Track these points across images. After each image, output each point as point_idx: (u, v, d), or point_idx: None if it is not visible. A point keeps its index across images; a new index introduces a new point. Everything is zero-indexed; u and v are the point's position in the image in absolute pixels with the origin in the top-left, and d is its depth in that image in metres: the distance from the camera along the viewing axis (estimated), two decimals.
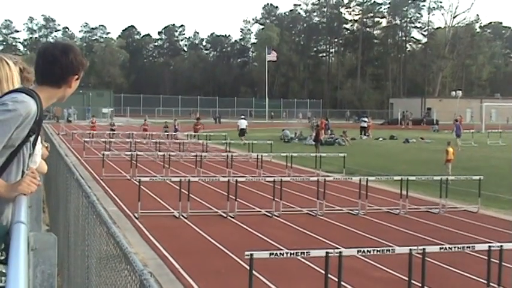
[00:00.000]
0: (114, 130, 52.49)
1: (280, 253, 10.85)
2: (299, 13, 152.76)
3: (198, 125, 49.66)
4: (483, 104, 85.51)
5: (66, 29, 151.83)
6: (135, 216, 17.34)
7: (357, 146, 48.21)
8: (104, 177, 25.20)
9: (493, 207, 20.65)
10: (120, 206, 19.32)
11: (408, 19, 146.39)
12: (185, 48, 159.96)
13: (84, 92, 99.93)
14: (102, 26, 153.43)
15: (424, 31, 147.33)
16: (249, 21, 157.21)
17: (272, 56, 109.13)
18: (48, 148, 5.91)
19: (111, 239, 4.32)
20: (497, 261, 10.92)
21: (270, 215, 18.36)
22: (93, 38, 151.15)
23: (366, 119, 63.61)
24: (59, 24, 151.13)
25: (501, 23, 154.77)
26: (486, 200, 20.92)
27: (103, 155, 27.62)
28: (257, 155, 30.25)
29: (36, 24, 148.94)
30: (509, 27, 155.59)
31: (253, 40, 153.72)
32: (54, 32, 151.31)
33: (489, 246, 11.14)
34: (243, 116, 55.93)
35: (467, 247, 11.68)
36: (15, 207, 2.96)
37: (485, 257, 11.06)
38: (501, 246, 11.07)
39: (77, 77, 3.60)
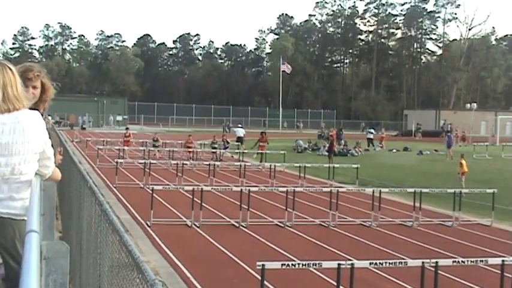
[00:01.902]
0: (157, 146, 41.42)
1: (292, 264, 10.82)
2: (314, 23, 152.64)
3: (263, 141, 40.71)
4: (498, 116, 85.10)
5: (82, 37, 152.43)
6: (147, 225, 17.37)
7: (370, 157, 48.09)
8: (117, 185, 25.27)
9: (506, 221, 20.52)
10: (132, 214, 19.37)
11: (423, 31, 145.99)
12: (200, 57, 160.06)
13: (99, 99, 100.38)
14: (118, 34, 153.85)
15: (439, 43, 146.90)
16: (264, 31, 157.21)
17: (286, 67, 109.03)
18: (61, 152, 5.90)
19: (124, 247, 4.32)
20: (511, 276, 10.84)
21: (283, 225, 18.34)
22: (109, 46, 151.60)
23: (372, 131, 63.35)
24: (74, 32, 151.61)
25: None
26: (500, 214, 20.80)
27: (116, 162, 27.69)
28: (270, 165, 30.25)
29: (52, 32, 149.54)
30: None
31: (268, 50, 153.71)
32: (70, 40, 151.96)
33: (502, 261, 11.06)
34: (240, 125, 56.45)
35: (480, 261, 11.60)
36: (28, 216, 2.97)
37: (499, 271, 10.97)
38: None
39: None
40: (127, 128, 47.29)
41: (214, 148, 42.28)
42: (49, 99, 4.79)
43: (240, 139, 48.15)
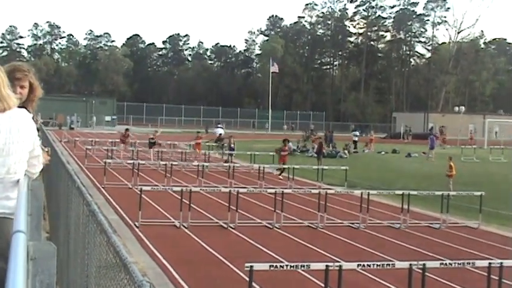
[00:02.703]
0: (154, 143, 39.82)
1: (280, 265, 10.82)
2: (304, 25, 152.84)
3: (285, 152, 34.89)
4: (486, 120, 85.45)
5: (71, 36, 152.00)
6: (135, 225, 17.32)
7: (359, 159, 48.18)
8: (105, 186, 25.19)
9: (493, 224, 20.62)
10: (120, 214, 19.31)
11: (412, 33, 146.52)
12: (189, 58, 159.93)
13: (88, 99, 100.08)
14: (107, 33, 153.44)
15: (428, 46, 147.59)
16: (254, 32, 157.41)
17: (274, 68, 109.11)
18: (49, 152, 5.88)
19: (111, 248, 4.31)
20: (497, 278, 10.88)
21: (271, 226, 18.34)
22: (98, 46, 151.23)
23: (357, 133, 63.28)
24: (63, 31, 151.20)
25: (505, 39, 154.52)
26: (487, 216, 20.88)
27: (105, 163, 27.58)
28: (259, 166, 30.24)
29: (41, 31, 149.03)
30: None
31: (257, 51, 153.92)
32: (59, 39, 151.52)
33: (489, 263, 11.10)
34: (219, 125, 60.32)
35: (467, 263, 11.65)
36: (15, 216, 2.96)
37: (485, 274, 11.02)
38: (501, 263, 11.03)
39: None
40: (127, 130, 43.28)
41: (222, 145, 39.36)
42: (37, 98, 4.78)
43: (219, 139, 50.07)
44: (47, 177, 16.09)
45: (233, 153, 39.71)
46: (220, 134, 52.58)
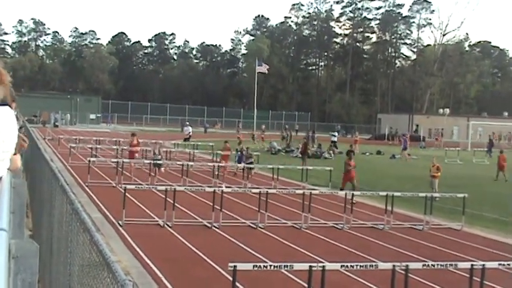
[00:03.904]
0: (160, 164, 30.43)
1: (264, 265, 10.82)
2: (290, 25, 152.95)
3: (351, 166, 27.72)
4: (470, 122, 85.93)
5: (56, 33, 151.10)
6: (119, 224, 17.26)
7: (343, 160, 48.15)
8: (89, 184, 25.06)
9: (476, 226, 20.73)
10: (104, 213, 19.23)
11: (398, 35, 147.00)
12: (175, 57, 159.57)
13: (72, 97, 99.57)
14: (92, 31, 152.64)
15: (414, 48, 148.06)
16: (240, 32, 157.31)
17: (263, 68, 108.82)
18: (26, 141, 5.69)
19: (94, 246, 4.29)
20: (479, 280, 10.94)
21: (255, 226, 18.34)
22: (83, 43, 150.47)
23: (336, 134, 63.16)
24: (48, 28, 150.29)
25: (490, 42, 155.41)
26: (470, 218, 21.00)
27: (89, 161, 27.47)
28: (244, 166, 30.21)
29: (26, 27, 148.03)
30: (498, 47, 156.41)
31: (243, 51, 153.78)
32: (44, 36, 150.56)
33: (472, 265, 11.16)
34: (187, 123, 64.35)
35: (450, 265, 11.70)
36: None
37: (468, 275, 11.07)
38: (483, 265, 11.09)
39: None
40: (133, 134, 32.19)
41: (251, 164, 31.79)
42: (4, 85, 4.56)
43: (187, 138, 52.02)
44: (30, 174, 16.01)
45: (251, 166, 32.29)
46: (189, 133, 55.97)
